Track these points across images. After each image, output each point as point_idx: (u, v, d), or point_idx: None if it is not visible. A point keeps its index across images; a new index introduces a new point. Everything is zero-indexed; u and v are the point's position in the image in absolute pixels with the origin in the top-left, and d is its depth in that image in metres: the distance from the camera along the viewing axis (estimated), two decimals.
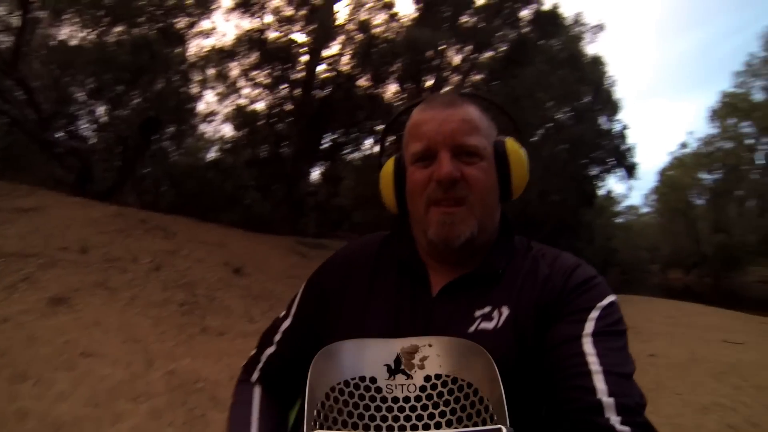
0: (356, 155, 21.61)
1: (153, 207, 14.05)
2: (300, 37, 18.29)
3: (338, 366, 0.73)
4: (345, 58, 18.49)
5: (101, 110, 17.20)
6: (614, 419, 0.66)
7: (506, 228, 0.95)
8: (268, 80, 18.60)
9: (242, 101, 20.39)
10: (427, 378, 0.72)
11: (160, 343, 4.86)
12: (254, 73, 18.58)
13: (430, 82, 18.24)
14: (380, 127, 19.91)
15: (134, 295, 5.95)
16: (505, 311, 0.82)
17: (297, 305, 1.00)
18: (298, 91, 18.03)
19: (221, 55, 18.27)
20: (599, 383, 0.69)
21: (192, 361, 4.61)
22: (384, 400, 0.71)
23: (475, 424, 0.68)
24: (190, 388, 4.00)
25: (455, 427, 0.69)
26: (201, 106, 21.11)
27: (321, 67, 18.47)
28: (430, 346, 0.74)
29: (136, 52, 15.07)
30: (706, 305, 16.64)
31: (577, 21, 20.13)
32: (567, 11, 21.45)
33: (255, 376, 0.98)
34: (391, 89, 18.89)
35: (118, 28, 15.62)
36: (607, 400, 0.67)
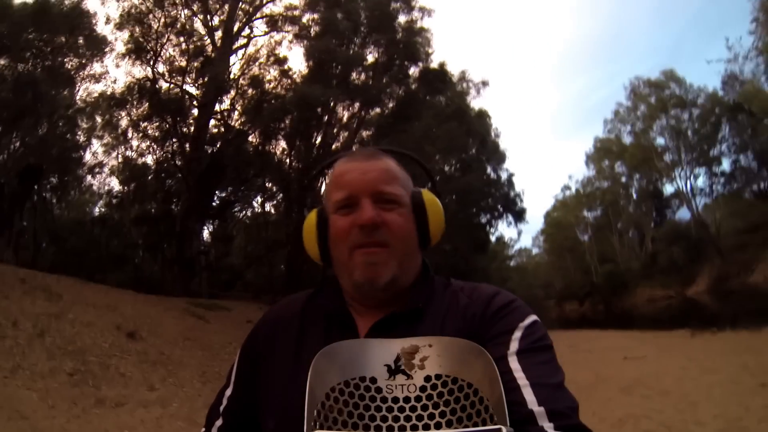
0: (247, 213, 21.44)
1: (32, 265, 13.01)
2: (192, 90, 18.05)
3: (338, 366, 0.72)
4: (236, 114, 18.46)
5: None
6: (547, 425, 0.67)
7: (426, 270, 0.96)
8: (158, 133, 18.07)
9: (131, 154, 19.67)
10: (428, 378, 0.72)
11: (51, 419, 4.40)
12: (144, 124, 18.01)
13: (318, 139, 18.37)
14: (270, 184, 19.79)
15: (16, 365, 5.41)
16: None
17: (235, 372, 0.98)
18: (188, 146, 17.60)
19: (111, 102, 17.61)
20: (528, 395, 0.70)
21: None
22: (384, 400, 0.71)
23: (475, 424, 0.67)
24: None
25: (455, 427, 0.68)
26: (87, 157, 20.06)
27: (212, 123, 18.28)
28: (430, 346, 0.73)
29: (18, 89, 14.06)
30: (602, 330, 17.94)
31: (463, 77, 21.20)
32: (453, 69, 22.43)
33: None
34: (281, 145, 18.97)
35: (1, 61, 14.73)
36: (538, 409, 0.69)
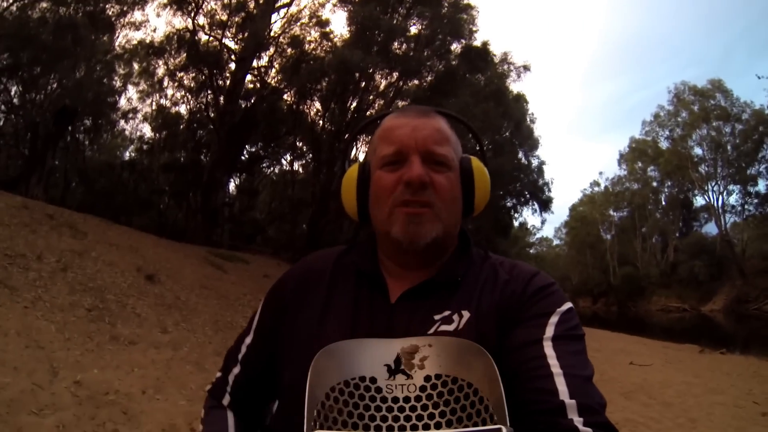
0: (274, 170, 21.48)
1: (61, 203, 13.20)
2: (231, 44, 17.91)
3: (338, 366, 0.72)
4: (273, 71, 18.29)
5: (13, 91, 16.28)
6: (577, 420, 0.67)
7: (464, 240, 0.95)
8: (194, 84, 18.10)
9: (165, 102, 19.82)
10: (427, 378, 0.72)
11: (66, 351, 4.47)
12: (181, 74, 18.06)
13: (354, 104, 18.30)
14: (300, 144, 19.76)
15: (37, 297, 5.52)
16: (466, 314, 0.82)
17: (257, 320, 0.97)
18: (222, 99, 17.60)
19: (149, 50, 17.64)
20: (561, 385, 0.70)
21: (101, 371, 4.27)
22: (384, 400, 0.71)
23: (475, 424, 0.68)
24: (99, 401, 3.68)
25: (455, 427, 0.68)
26: (122, 102, 20.28)
27: (248, 78, 18.14)
28: (430, 346, 0.73)
29: (59, 32, 14.10)
30: (613, 331, 17.82)
31: (505, 59, 20.75)
32: (496, 49, 22.01)
33: (226, 400, 0.95)
34: (316, 107, 18.86)
35: (44, 4, 14.70)
36: (569, 402, 0.68)
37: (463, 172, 0.90)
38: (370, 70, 17.07)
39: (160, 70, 18.67)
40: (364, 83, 17.95)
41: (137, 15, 17.49)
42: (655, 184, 40.37)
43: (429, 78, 18.30)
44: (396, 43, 17.28)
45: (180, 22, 17.24)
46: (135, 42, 18.18)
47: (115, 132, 23.20)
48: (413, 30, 17.93)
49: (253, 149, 19.98)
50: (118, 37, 18.03)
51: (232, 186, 20.49)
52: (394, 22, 17.39)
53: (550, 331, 0.78)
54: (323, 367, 0.70)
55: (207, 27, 17.57)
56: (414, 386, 0.71)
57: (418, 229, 0.83)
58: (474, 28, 18.23)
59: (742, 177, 32.84)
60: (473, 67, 18.07)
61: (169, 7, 16.88)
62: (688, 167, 33.75)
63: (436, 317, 0.82)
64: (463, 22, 17.79)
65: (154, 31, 18.01)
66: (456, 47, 18.22)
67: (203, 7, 17.30)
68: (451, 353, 0.73)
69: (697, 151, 34.05)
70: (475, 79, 18.86)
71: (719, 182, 33.61)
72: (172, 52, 17.55)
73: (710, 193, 34.30)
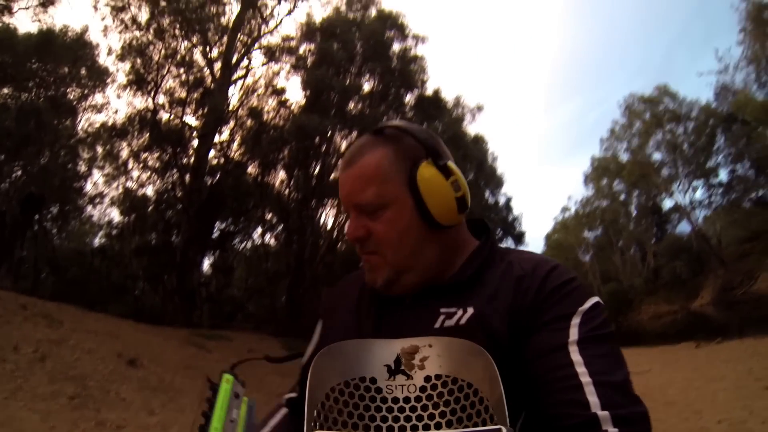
0: (247, 245, 21.38)
1: (32, 293, 12.94)
2: (192, 121, 18.15)
3: (338, 366, 0.72)
4: (235, 145, 18.49)
5: None
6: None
7: (483, 239, 0.93)
8: (158, 164, 18.14)
9: (131, 184, 19.53)
10: (427, 378, 0.71)
11: None
12: (145, 155, 18.05)
13: (317, 169, 18.55)
14: (269, 215, 19.81)
15: (17, 387, 5.43)
16: (470, 310, 0.80)
17: (319, 334, 1.02)
18: (188, 177, 17.65)
19: (112, 132, 17.74)
20: (591, 396, 0.67)
21: None
22: (384, 400, 0.70)
23: (475, 425, 0.67)
24: None
25: (455, 428, 0.68)
26: (88, 187, 19.97)
27: (211, 153, 18.34)
28: (430, 346, 0.72)
29: (22, 118, 14.13)
30: None
31: (458, 103, 21.38)
32: (448, 95, 22.67)
33: (286, 397, 1.03)
34: (280, 176, 19.05)
35: (5, 90, 14.83)
36: (602, 414, 0.65)
37: (410, 189, 0.84)
38: (329, 133, 17.43)
39: (124, 152, 18.63)
40: (324, 147, 18.24)
41: (98, 98, 17.70)
42: (622, 196, 41.06)
43: None
44: (351, 103, 17.80)
45: (140, 102, 17.43)
46: (98, 125, 18.27)
47: (83, 218, 22.80)
48: (366, 87, 18.56)
49: (223, 226, 19.93)
50: (80, 120, 18.14)
51: (206, 265, 20.31)
52: (347, 82, 17.93)
53: (574, 333, 0.74)
54: (323, 367, 0.70)
55: (167, 105, 17.80)
56: (414, 386, 0.71)
57: (372, 275, 0.87)
58: (424, 77, 18.95)
59: (703, 171, 33.72)
60: (428, 116, 18.52)
61: (128, 87, 17.07)
62: (651, 173, 34.61)
63: (443, 310, 0.82)
64: (413, 72, 18.44)
65: (116, 113, 18.06)
66: (409, 99, 18.91)
67: (162, 85, 17.52)
68: (452, 353, 0.72)
69: (657, 156, 34.93)
70: (432, 127, 19.33)
71: (683, 181, 34.40)
72: (135, 133, 17.62)
73: (677, 194, 35.00)
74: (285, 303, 18.65)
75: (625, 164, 36.81)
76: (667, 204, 38.95)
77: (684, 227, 37.90)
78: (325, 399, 0.69)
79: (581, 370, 0.70)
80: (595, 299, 0.79)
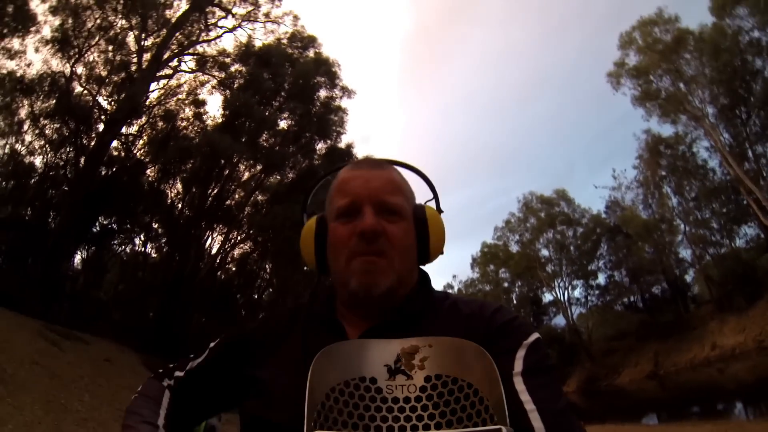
0: (126, 249, 20.33)
1: None
2: (104, 103, 17.39)
3: (338, 366, 0.71)
4: (140, 142, 17.88)
5: None
6: None
7: (425, 282, 0.96)
8: (56, 136, 16.99)
9: (20, 148, 17.87)
10: (428, 378, 0.71)
11: None
12: (45, 121, 16.88)
13: (215, 192, 18.23)
14: (156, 225, 19.14)
15: None
16: None
17: (212, 350, 1.00)
18: (83, 160, 16.63)
19: (17, 86, 16.45)
20: (536, 422, 0.70)
21: None
22: (384, 400, 0.70)
23: (475, 425, 0.68)
24: None
25: (455, 428, 0.68)
26: None
27: (114, 143, 17.56)
28: (430, 346, 0.73)
29: None
30: None
31: None
32: (360, 152, 23.16)
33: (167, 382, 0.99)
34: (177, 188, 18.57)
35: None
36: None
37: (417, 220, 0.92)
38: (236, 159, 17.36)
39: (23, 111, 17.20)
40: (228, 171, 18.18)
41: (15, 43, 16.36)
42: (506, 284, 42.81)
43: (291, 175, 19.06)
44: (265, 135, 18.00)
45: (58, 65, 16.44)
46: (4, 71, 16.72)
47: None
48: (282, 124, 18.90)
49: (106, 222, 18.73)
50: None
51: (77, 259, 18.85)
52: (267, 113, 18.21)
53: (519, 365, 0.77)
54: (323, 367, 0.70)
55: (84, 78, 16.94)
56: (414, 386, 0.71)
57: (372, 278, 0.84)
58: (342, 130, 19.53)
59: (584, 273, 37.00)
60: (337, 168, 18.65)
61: (51, 45, 16.16)
62: (537, 267, 37.11)
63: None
64: (332, 123, 18.99)
65: (29, 66, 16.51)
66: (321, 147, 19.39)
67: (85, 56, 16.70)
68: (451, 354, 0.72)
69: (544, 252, 37.89)
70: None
71: (564, 279, 37.33)
72: (41, 95, 16.48)
73: (557, 289, 37.71)
74: (153, 318, 17.79)
75: (514, 255, 39.09)
76: (547, 297, 41.43)
77: (559, 320, 40.55)
78: (325, 399, 0.69)
79: (525, 398, 0.73)
80: (537, 335, 0.83)
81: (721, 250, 29.12)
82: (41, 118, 16.79)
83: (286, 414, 0.75)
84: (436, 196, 1.03)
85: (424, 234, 0.91)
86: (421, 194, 1.01)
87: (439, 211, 0.99)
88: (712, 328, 25.04)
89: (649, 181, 31.27)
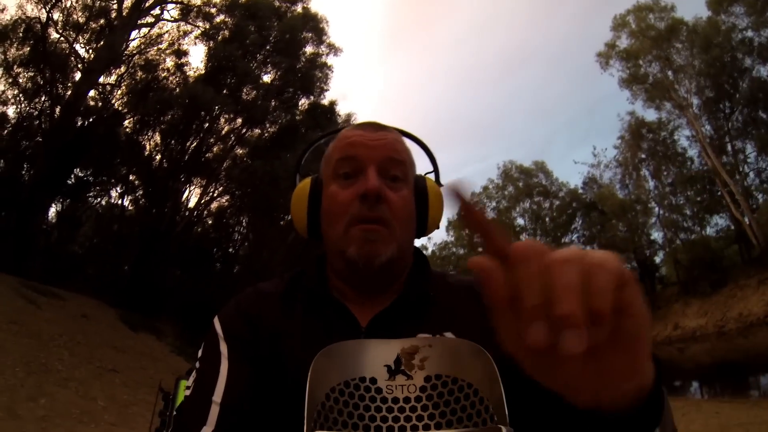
0: (101, 202, 19.87)
1: None
2: (81, 51, 16.78)
3: (338, 366, 0.71)
4: (119, 92, 17.35)
5: None
6: None
7: (420, 258, 0.92)
8: (31, 85, 16.40)
9: None
10: (428, 378, 0.71)
11: None
12: (18, 69, 16.21)
13: (194, 145, 17.98)
14: (133, 177, 18.82)
15: None
16: (448, 336, 0.79)
17: (228, 353, 0.80)
18: (59, 110, 16.18)
19: None
20: None
21: None
22: (384, 400, 0.70)
23: (476, 425, 0.68)
24: None
25: (455, 428, 0.68)
26: None
27: (91, 93, 17.05)
28: (430, 346, 0.72)
29: None
30: None
31: (349, 119, 21.85)
32: (343, 109, 22.85)
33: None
34: (155, 140, 18.19)
35: None
36: None
37: (417, 190, 0.87)
38: (217, 112, 17.13)
39: None
40: (208, 124, 17.90)
41: None
42: (480, 249, 43.87)
43: (271, 129, 18.84)
44: (247, 88, 17.71)
45: (33, 9, 15.72)
46: None
47: None
48: (266, 78, 18.57)
49: (82, 174, 18.17)
50: None
51: (52, 212, 18.32)
52: (251, 66, 17.86)
53: None
54: (323, 367, 0.69)
55: (60, 25, 16.21)
56: (414, 387, 0.71)
57: (374, 247, 0.79)
58: (325, 87, 19.39)
59: (558, 245, 37.55)
60: (317, 125, 18.61)
61: None
62: (512, 235, 37.79)
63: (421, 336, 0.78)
64: (316, 79, 18.78)
65: (2, 11, 15.68)
66: (304, 102, 19.19)
67: (62, 1, 15.99)
68: (452, 353, 0.72)
69: (520, 221, 38.51)
70: (318, 136, 19.67)
71: None
72: (15, 42, 15.79)
73: None
74: (129, 273, 17.55)
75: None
76: None
77: None
78: (325, 399, 0.68)
79: None
80: None
81: (691, 236, 29.82)
82: (15, 66, 16.15)
83: (286, 414, 0.72)
84: (436, 169, 0.99)
85: (424, 206, 0.87)
86: (420, 168, 0.95)
87: (439, 184, 0.94)
88: (675, 310, 25.93)
89: (628, 162, 31.72)
